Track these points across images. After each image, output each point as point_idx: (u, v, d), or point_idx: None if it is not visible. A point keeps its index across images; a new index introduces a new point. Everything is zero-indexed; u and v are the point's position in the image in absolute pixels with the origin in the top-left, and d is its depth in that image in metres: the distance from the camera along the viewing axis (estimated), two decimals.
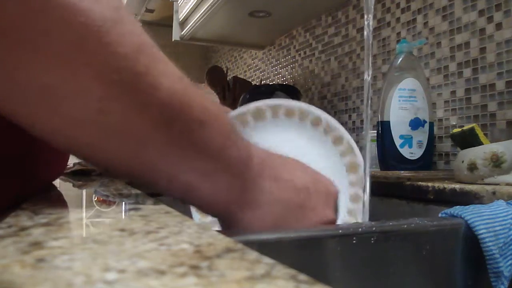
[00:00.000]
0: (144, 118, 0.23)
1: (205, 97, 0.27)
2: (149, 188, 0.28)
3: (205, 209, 0.30)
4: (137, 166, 0.25)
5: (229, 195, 0.29)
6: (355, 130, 1.09)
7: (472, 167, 0.55)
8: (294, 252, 0.31)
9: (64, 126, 0.22)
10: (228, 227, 0.31)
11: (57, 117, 0.22)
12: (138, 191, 0.38)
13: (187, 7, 1.31)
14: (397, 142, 0.73)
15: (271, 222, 0.32)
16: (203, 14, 1.23)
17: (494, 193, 0.48)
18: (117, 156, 0.24)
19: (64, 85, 0.20)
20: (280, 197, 0.32)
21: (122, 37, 0.21)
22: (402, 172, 0.67)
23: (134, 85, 0.22)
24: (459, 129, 0.61)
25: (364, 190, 0.45)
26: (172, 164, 0.26)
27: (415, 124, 0.74)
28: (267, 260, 0.13)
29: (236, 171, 0.29)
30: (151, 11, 2.05)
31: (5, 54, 0.19)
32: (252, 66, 1.74)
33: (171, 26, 1.45)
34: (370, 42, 0.43)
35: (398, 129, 0.74)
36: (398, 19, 0.96)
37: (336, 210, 0.37)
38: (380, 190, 0.65)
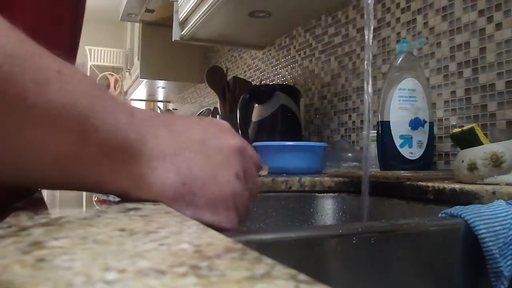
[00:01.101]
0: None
1: (38, 60, 0.23)
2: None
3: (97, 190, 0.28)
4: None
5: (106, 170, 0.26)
6: (355, 130, 1.09)
7: (472, 167, 0.55)
8: (294, 252, 0.31)
9: None
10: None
11: None
12: None
13: (187, 7, 1.31)
14: (397, 142, 0.73)
15: (173, 177, 0.28)
16: (203, 14, 1.23)
17: (494, 193, 0.48)
18: None
19: None
20: (179, 146, 0.29)
21: None
22: (402, 172, 0.67)
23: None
24: (459, 129, 0.61)
25: (363, 190, 0.45)
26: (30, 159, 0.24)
27: (415, 124, 0.74)
28: (267, 260, 0.13)
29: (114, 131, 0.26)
30: (151, 11, 2.05)
31: None
32: (252, 66, 1.74)
33: (171, 26, 1.45)
34: (370, 50, 0.43)
35: (398, 129, 0.74)
36: (398, 19, 0.96)
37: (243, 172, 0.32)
38: (380, 190, 0.65)
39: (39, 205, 0.26)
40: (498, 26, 0.73)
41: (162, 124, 0.29)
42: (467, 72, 0.79)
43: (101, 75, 4.29)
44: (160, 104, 3.26)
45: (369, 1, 0.44)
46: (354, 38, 1.11)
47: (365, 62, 0.43)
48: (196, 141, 0.30)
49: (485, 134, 0.64)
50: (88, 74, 2.46)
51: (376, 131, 0.77)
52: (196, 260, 0.13)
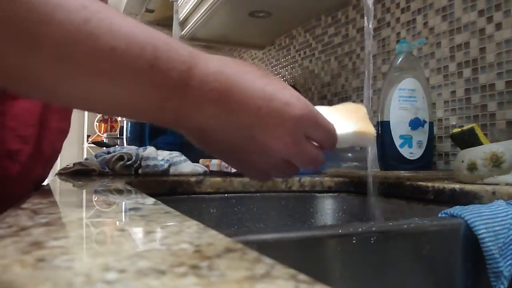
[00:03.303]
0: (37, 52, 0.23)
1: (124, 19, 0.26)
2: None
3: (142, 119, 0.31)
4: (56, 97, 0.27)
5: (162, 114, 0.29)
6: None
7: (472, 167, 0.55)
8: (294, 252, 0.31)
9: None
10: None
11: None
12: (138, 191, 0.38)
13: (187, 7, 1.31)
14: (397, 142, 0.73)
15: (224, 151, 0.33)
16: (203, 14, 1.23)
17: (493, 193, 0.48)
18: (28, 88, 0.26)
19: None
20: (226, 121, 0.31)
21: None
22: (402, 172, 0.67)
23: (16, 22, 0.22)
24: (459, 129, 0.61)
25: (367, 190, 0.45)
26: (86, 90, 0.26)
27: (415, 124, 0.74)
28: (267, 260, 0.13)
29: (168, 92, 0.28)
30: (151, 11, 2.05)
31: None
32: None
33: (171, 26, 1.45)
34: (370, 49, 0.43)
35: (398, 129, 0.74)
36: (398, 19, 0.96)
37: (301, 140, 0.33)
38: (380, 190, 0.65)
39: (39, 205, 0.26)
40: (498, 26, 0.73)
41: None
42: (467, 72, 0.79)
43: None
44: None
45: (369, 2, 0.44)
46: (354, 38, 1.11)
47: (365, 62, 0.43)
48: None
49: (485, 134, 0.64)
50: None
51: (376, 131, 0.77)
52: (196, 260, 0.13)
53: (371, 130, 0.38)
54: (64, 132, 0.51)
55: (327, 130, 0.35)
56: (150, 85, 0.27)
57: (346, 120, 0.38)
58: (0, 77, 0.24)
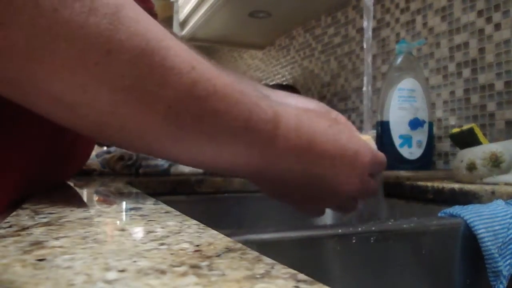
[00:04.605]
0: (152, 114, 0.25)
1: (224, 79, 0.27)
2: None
3: (229, 174, 0.35)
4: (158, 152, 0.28)
5: (245, 169, 0.32)
6: None
7: (471, 167, 0.55)
8: (294, 252, 0.31)
9: (84, 127, 0.25)
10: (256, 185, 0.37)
11: (77, 120, 0.24)
12: (138, 191, 0.39)
13: (187, 7, 1.31)
14: (397, 142, 0.74)
15: (288, 194, 0.36)
16: (203, 14, 1.23)
17: (493, 192, 0.48)
18: (134, 146, 0.28)
19: (73, 94, 0.22)
20: (302, 172, 0.34)
21: (121, 42, 0.22)
22: (402, 172, 0.68)
23: (138, 87, 0.23)
24: (458, 129, 0.61)
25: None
26: (187, 149, 0.28)
27: (415, 124, 0.74)
28: (267, 260, 0.13)
29: (259, 146, 0.31)
30: None
31: (22, 69, 0.21)
32: (252, 66, 1.74)
33: (171, 26, 1.45)
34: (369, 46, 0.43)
35: (398, 129, 0.74)
36: (397, 20, 0.97)
37: (366, 179, 0.38)
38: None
39: (40, 205, 0.26)
40: (497, 26, 0.73)
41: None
42: (466, 73, 0.79)
43: None
44: None
45: (369, 2, 0.44)
46: (354, 38, 1.11)
47: (365, 63, 0.43)
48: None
49: (484, 134, 0.64)
50: None
51: (375, 131, 0.77)
52: (196, 259, 0.14)
53: (367, 137, 0.44)
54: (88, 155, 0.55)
55: (384, 164, 0.40)
56: (243, 145, 0.29)
57: None
58: (112, 132, 0.26)
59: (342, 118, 0.44)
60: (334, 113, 0.47)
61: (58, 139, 0.30)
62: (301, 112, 0.34)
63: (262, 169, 0.32)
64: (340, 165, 0.35)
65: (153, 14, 0.65)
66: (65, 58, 0.21)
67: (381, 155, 0.40)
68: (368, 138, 0.45)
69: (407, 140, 0.74)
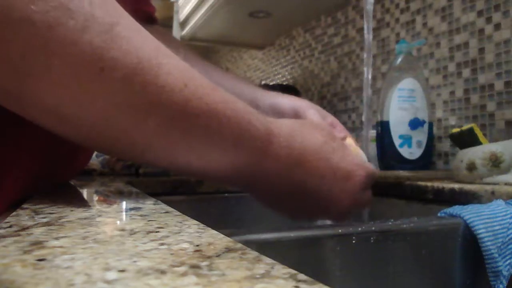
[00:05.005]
0: (144, 129, 0.26)
1: (216, 96, 0.28)
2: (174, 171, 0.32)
3: (223, 182, 0.35)
4: (151, 162, 0.29)
5: (239, 178, 0.32)
6: (354, 130, 1.09)
7: (471, 167, 0.55)
8: (294, 252, 0.31)
9: (77, 137, 0.27)
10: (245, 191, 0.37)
11: (71, 131, 0.25)
12: (138, 191, 0.39)
13: (187, 7, 1.31)
14: (397, 142, 0.74)
15: (278, 204, 0.37)
16: (203, 14, 1.23)
17: (493, 192, 0.48)
18: (126, 156, 0.29)
19: (67, 107, 0.23)
20: (291, 187, 0.35)
21: (114, 61, 0.23)
22: (402, 172, 0.68)
23: (130, 104, 0.24)
24: (458, 129, 0.61)
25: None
26: (177, 160, 0.29)
27: (415, 124, 0.74)
28: (267, 260, 0.14)
29: (249, 162, 0.31)
30: None
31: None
32: (252, 66, 1.74)
33: (171, 27, 1.45)
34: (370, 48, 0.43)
35: (398, 129, 0.74)
36: (397, 20, 0.97)
37: (358, 195, 0.38)
38: (380, 190, 0.65)
39: (40, 205, 0.26)
40: (497, 26, 0.73)
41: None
42: (466, 73, 0.79)
43: None
44: None
45: (369, 2, 0.44)
46: (354, 38, 1.11)
47: (364, 62, 0.43)
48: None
49: (484, 134, 0.64)
50: None
51: (375, 131, 0.77)
52: (196, 259, 0.14)
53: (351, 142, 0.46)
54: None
55: (375, 177, 0.41)
56: (232, 161, 0.30)
57: None
58: (112, 143, 0.27)
59: (337, 123, 0.44)
60: (330, 118, 0.47)
61: (62, 139, 0.30)
62: (296, 127, 0.35)
63: (251, 182, 0.33)
64: (331, 183, 0.36)
65: (154, 19, 0.65)
66: (59, 74, 0.22)
67: (372, 168, 0.41)
68: (354, 147, 0.46)
69: (407, 140, 0.74)
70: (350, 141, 0.47)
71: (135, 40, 0.24)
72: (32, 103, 0.23)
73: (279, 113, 0.50)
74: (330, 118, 0.52)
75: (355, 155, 0.40)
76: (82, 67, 0.22)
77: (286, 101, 0.52)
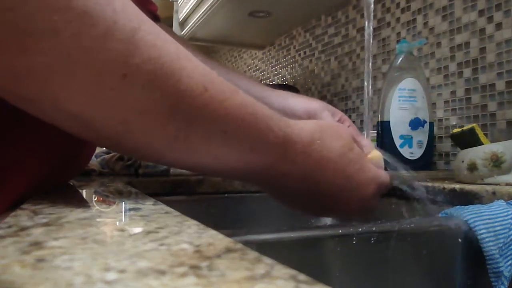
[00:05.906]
0: (163, 133, 0.26)
1: (236, 100, 0.28)
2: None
3: (237, 180, 0.36)
4: (170, 164, 0.30)
5: (254, 178, 0.33)
6: None
7: (472, 167, 0.55)
8: (294, 252, 0.31)
9: (98, 140, 0.28)
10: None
11: (92, 134, 0.26)
12: (138, 191, 0.39)
13: (187, 7, 1.31)
14: (397, 142, 0.73)
15: (288, 201, 0.38)
16: (203, 14, 1.23)
17: (494, 193, 0.48)
18: (146, 157, 0.30)
19: (89, 112, 0.24)
20: (303, 190, 0.35)
21: (136, 67, 0.23)
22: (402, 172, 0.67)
23: (151, 110, 0.24)
24: (459, 129, 0.61)
25: None
26: (194, 161, 0.29)
27: (415, 124, 0.74)
28: (267, 260, 0.13)
29: (264, 166, 0.32)
30: None
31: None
32: (252, 66, 1.74)
33: (171, 26, 1.45)
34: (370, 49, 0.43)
35: (398, 129, 0.74)
36: (398, 19, 0.96)
37: (367, 203, 0.39)
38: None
39: (39, 205, 0.26)
40: (498, 26, 0.73)
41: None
42: (467, 72, 0.79)
43: None
44: None
45: (369, 2, 0.44)
46: (354, 38, 1.11)
47: (365, 62, 0.43)
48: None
49: (485, 134, 0.64)
50: None
51: (376, 131, 0.77)
52: (196, 260, 0.13)
53: (377, 154, 0.45)
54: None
55: (388, 185, 0.41)
56: (249, 163, 0.30)
57: None
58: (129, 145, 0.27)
59: (345, 119, 0.44)
60: (339, 115, 0.47)
61: (66, 140, 0.31)
62: (316, 134, 0.35)
63: (265, 181, 0.34)
64: (342, 191, 0.36)
65: (156, 17, 0.65)
66: (82, 82, 0.22)
67: (384, 180, 0.41)
68: (378, 156, 0.45)
69: (407, 140, 0.74)
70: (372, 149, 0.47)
71: (157, 44, 0.24)
72: (54, 110, 0.23)
73: (291, 116, 0.50)
74: (339, 114, 0.51)
75: (373, 163, 0.40)
76: (104, 75, 0.22)
77: (299, 103, 0.51)
